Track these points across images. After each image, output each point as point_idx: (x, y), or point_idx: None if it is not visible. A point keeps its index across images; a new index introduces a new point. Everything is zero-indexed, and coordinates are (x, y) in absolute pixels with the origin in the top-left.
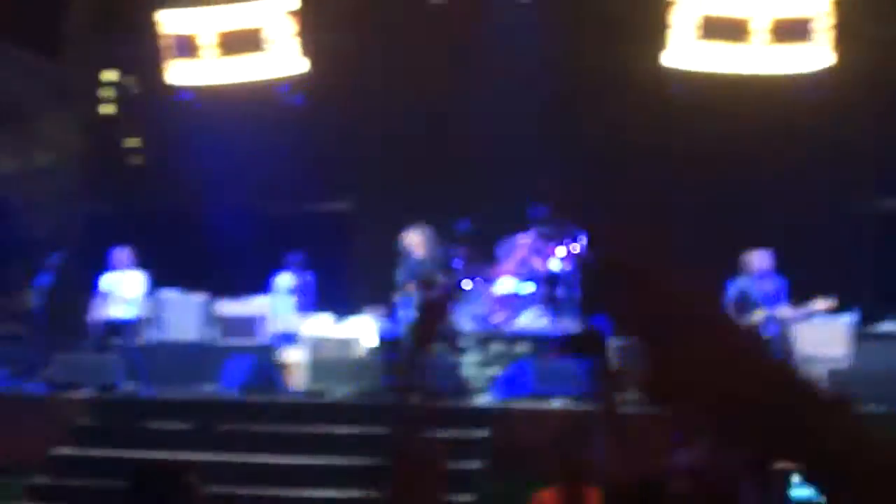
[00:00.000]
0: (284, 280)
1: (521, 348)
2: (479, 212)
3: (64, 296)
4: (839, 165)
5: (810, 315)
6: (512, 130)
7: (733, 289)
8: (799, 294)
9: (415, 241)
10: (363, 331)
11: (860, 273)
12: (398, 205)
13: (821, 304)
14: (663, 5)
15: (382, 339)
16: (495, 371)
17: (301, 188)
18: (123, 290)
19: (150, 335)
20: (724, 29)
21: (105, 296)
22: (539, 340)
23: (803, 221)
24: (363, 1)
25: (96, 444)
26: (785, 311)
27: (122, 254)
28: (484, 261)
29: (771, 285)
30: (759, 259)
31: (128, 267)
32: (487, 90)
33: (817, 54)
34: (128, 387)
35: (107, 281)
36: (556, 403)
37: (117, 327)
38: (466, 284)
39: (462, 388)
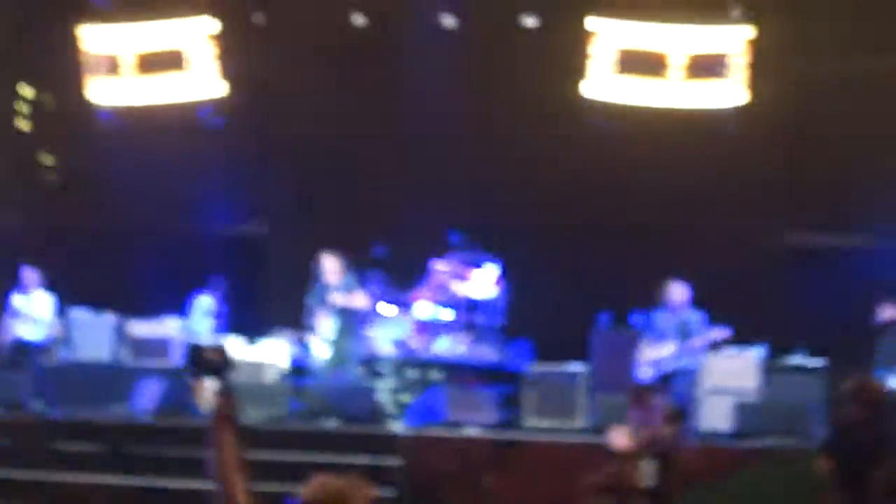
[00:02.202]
0: (203, 302)
1: (437, 374)
2: (396, 237)
3: None
4: (751, 200)
5: (707, 345)
6: (430, 155)
7: (645, 320)
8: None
9: (328, 266)
10: (275, 355)
11: (770, 306)
12: (312, 229)
13: (716, 333)
14: (584, 35)
15: (292, 365)
16: (410, 397)
17: (216, 210)
18: (32, 310)
19: (61, 355)
20: (641, 63)
21: (14, 315)
22: (455, 367)
23: (715, 255)
24: (284, 24)
25: (2, 465)
26: (697, 342)
27: (30, 274)
28: (401, 286)
29: (687, 317)
30: (676, 291)
31: (36, 287)
32: (405, 115)
33: (732, 91)
34: (36, 407)
35: (16, 300)
36: (470, 431)
37: (25, 347)
38: (385, 309)
39: (376, 414)
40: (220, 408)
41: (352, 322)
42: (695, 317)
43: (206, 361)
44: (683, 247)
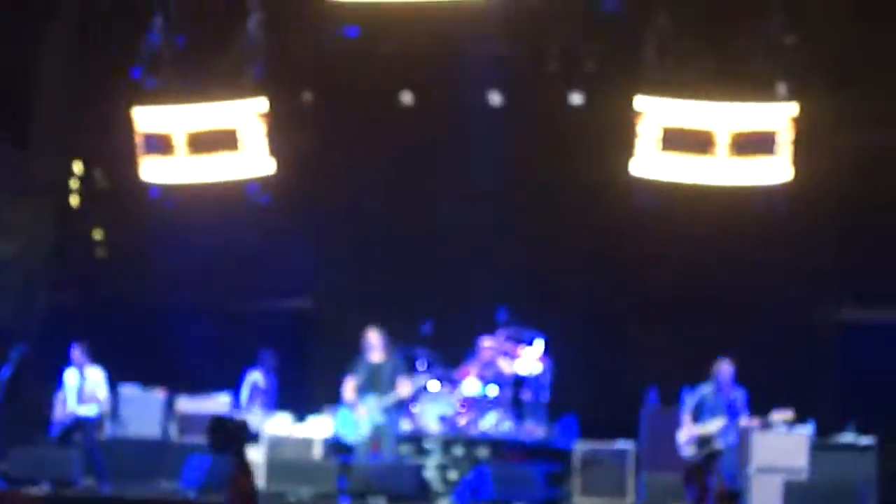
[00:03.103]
0: (253, 377)
1: (484, 452)
2: (444, 313)
3: (23, 389)
4: (801, 276)
5: (768, 425)
6: (478, 233)
7: (692, 397)
8: (760, 404)
9: (373, 341)
10: (321, 431)
11: (820, 384)
12: (360, 306)
13: (778, 415)
14: (631, 114)
15: (336, 442)
16: (457, 475)
17: (263, 286)
18: (85, 386)
19: (109, 431)
20: (687, 141)
21: (67, 391)
22: (501, 444)
23: (765, 332)
24: (331, 102)
25: None
26: (745, 420)
27: (81, 349)
28: (449, 363)
29: (732, 395)
30: (724, 369)
31: (87, 363)
32: (453, 194)
33: (779, 167)
34: (86, 483)
35: (68, 377)
36: None
37: (79, 423)
38: (433, 385)
39: (424, 492)
40: (237, 485)
41: (398, 405)
42: (740, 395)
43: (226, 436)
44: (733, 324)
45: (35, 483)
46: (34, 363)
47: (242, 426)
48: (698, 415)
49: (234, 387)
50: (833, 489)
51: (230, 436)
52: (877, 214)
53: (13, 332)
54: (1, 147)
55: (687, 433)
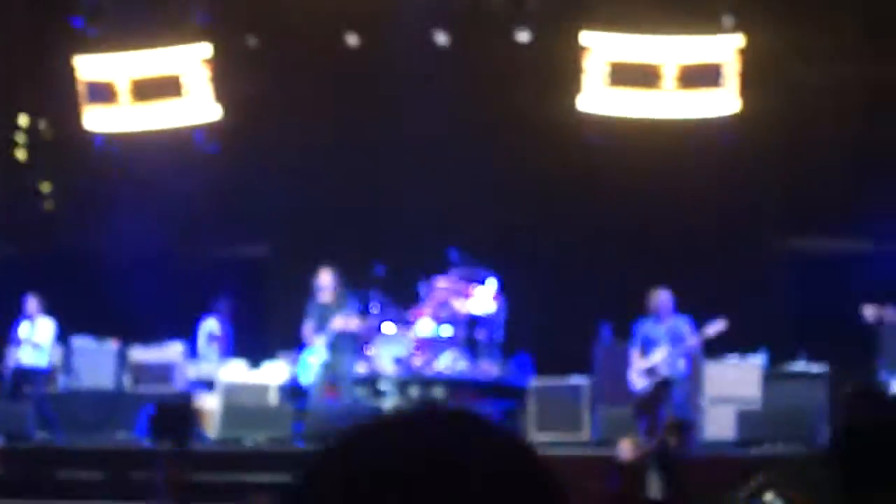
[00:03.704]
0: (208, 325)
1: (439, 391)
2: (395, 255)
3: None
4: (749, 207)
5: (704, 340)
6: (425, 172)
7: (639, 331)
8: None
9: (324, 281)
10: (277, 377)
11: (771, 314)
12: (313, 250)
13: (712, 328)
14: (578, 49)
15: (292, 387)
16: None
17: (215, 234)
18: (33, 337)
19: (63, 383)
20: (634, 75)
21: (17, 343)
22: (457, 384)
23: (715, 262)
24: (276, 45)
25: (6, 495)
26: (690, 341)
27: (32, 301)
28: (402, 304)
29: (674, 324)
30: (661, 298)
31: (37, 314)
32: (402, 135)
33: (726, 100)
34: (40, 436)
35: (20, 329)
36: None
37: (28, 375)
38: (387, 327)
39: None
40: (170, 476)
41: (346, 343)
42: (682, 322)
43: (167, 423)
44: (683, 256)
45: None
46: None
47: (185, 415)
48: (644, 348)
49: (188, 336)
50: (786, 417)
51: (171, 424)
52: (824, 145)
53: None
54: None
55: (636, 368)
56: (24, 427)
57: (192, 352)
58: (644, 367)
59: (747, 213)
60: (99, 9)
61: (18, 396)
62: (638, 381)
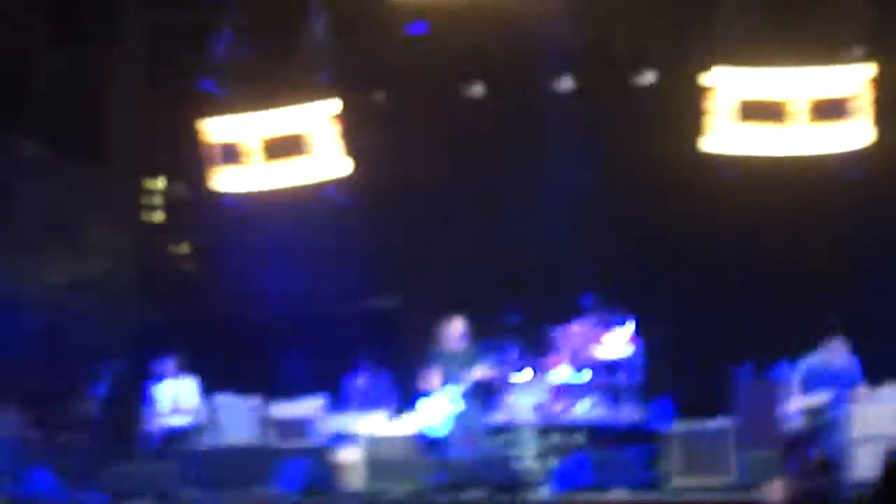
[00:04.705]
0: (360, 381)
1: (580, 438)
2: (530, 302)
3: (119, 405)
4: (889, 240)
5: (880, 395)
6: (559, 222)
7: (800, 367)
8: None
9: (452, 330)
10: (414, 428)
11: None
12: (445, 300)
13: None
14: (703, 89)
15: (430, 438)
16: (554, 462)
17: (348, 288)
18: (178, 399)
19: (206, 440)
20: (762, 111)
21: (159, 404)
22: (597, 430)
23: (857, 301)
24: (404, 99)
25: None
26: (860, 390)
27: (170, 362)
28: (538, 351)
29: (842, 365)
30: (834, 340)
31: (177, 374)
32: (532, 183)
33: (858, 132)
34: (186, 494)
35: (160, 390)
36: (616, 494)
37: (174, 435)
38: (523, 375)
39: (520, 482)
40: None
41: (480, 392)
42: (853, 364)
43: None
44: (824, 294)
45: (136, 497)
46: (129, 380)
47: None
48: (806, 386)
49: (327, 389)
50: None
51: None
52: None
53: (107, 351)
54: (80, 167)
55: (794, 404)
56: (170, 486)
57: (332, 405)
58: (805, 406)
59: (883, 245)
60: (227, 71)
61: (166, 456)
62: (794, 419)
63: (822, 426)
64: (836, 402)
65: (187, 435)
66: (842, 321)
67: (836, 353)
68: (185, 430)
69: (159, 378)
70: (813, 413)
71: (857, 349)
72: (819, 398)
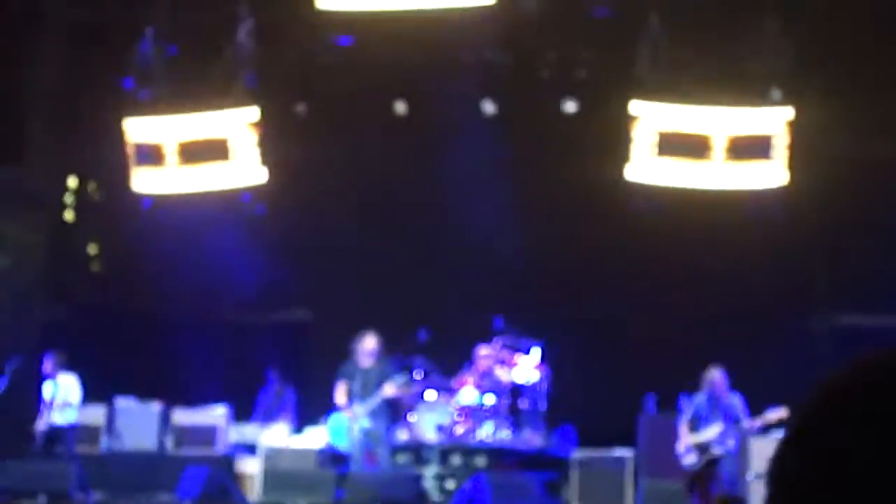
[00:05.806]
0: (265, 392)
1: (481, 461)
2: (440, 322)
3: (16, 402)
4: (795, 281)
5: (764, 427)
6: (472, 240)
7: (688, 406)
8: (757, 410)
9: (366, 346)
10: (318, 442)
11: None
12: (356, 315)
13: (773, 414)
14: (626, 119)
15: (332, 452)
16: (455, 484)
17: (258, 297)
18: (58, 395)
19: (106, 444)
20: (683, 145)
21: (46, 402)
22: (499, 453)
23: (759, 337)
24: (323, 112)
25: None
26: (745, 423)
27: (53, 359)
28: (446, 372)
29: (727, 401)
30: (715, 377)
31: (57, 372)
32: (447, 202)
33: (774, 171)
34: (80, 497)
35: (45, 388)
36: None
37: (58, 433)
38: (430, 395)
39: (421, 501)
40: None
41: (387, 409)
42: (736, 400)
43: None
44: (729, 329)
45: (29, 496)
46: (28, 376)
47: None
48: (695, 424)
49: (230, 399)
50: None
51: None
52: (872, 220)
53: (8, 346)
54: None
55: (684, 443)
56: (65, 486)
57: (236, 415)
58: (694, 442)
59: (794, 286)
60: (149, 70)
61: (51, 455)
62: (687, 457)
63: (716, 461)
64: (723, 438)
65: (71, 434)
66: (731, 359)
67: (719, 390)
68: (69, 428)
69: (46, 376)
70: (702, 448)
71: (740, 385)
72: (707, 433)
